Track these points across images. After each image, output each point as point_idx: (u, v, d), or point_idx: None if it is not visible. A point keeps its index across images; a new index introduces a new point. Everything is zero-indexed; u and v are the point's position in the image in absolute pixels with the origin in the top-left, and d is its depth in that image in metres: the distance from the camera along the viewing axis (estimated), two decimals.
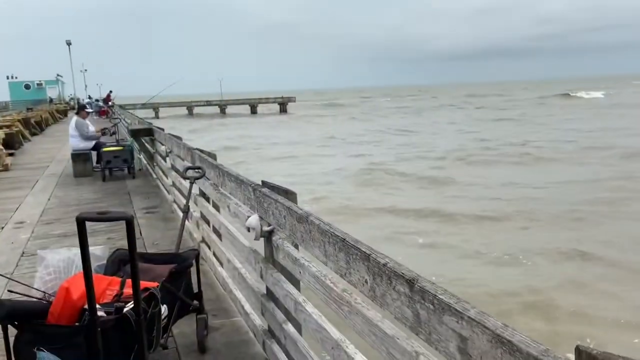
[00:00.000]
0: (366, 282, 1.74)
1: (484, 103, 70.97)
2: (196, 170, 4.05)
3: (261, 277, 3.01)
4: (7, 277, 2.54)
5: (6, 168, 11.45)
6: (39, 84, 50.16)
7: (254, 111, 63.29)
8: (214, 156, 4.61)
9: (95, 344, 1.94)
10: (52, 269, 2.65)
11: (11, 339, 2.30)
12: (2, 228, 6.36)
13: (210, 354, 3.12)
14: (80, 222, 1.49)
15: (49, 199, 8.01)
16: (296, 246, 2.58)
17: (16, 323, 2.32)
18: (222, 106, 63.44)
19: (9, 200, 8.09)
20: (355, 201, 14.12)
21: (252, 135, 34.53)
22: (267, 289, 2.97)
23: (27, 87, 48.44)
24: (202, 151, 4.81)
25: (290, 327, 2.65)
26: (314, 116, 53.90)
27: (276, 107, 65.14)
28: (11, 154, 13.27)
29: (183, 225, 3.62)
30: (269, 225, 2.81)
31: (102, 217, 1.54)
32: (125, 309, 2.36)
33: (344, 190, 15.79)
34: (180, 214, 5.99)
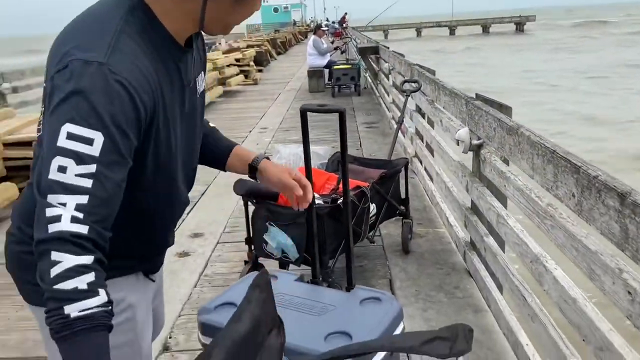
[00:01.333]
0: (573, 195, 1.65)
1: None
2: (413, 83, 4.12)
3: (467, 190, 3.03)
4: None
5: (255, 82, 13.16)
6: (285, 8, 55.11)
7: (485, 31, 59.27)
8: (432, 72, 4.60)
9: (312, 225, 2.26)
10: (284, 161, 3.10)
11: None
12: (250, 132, 7.47)
13: (413, 256, 3.32)
14: (303, 113, 1.71)
15: (287, 110, 9.04)
16: (504, 160, 2.51)
17: (254, 201, 2.81)
18: (452, 27, 60.77)
19: (257, 109, 9.37)
20: None
21: (485, 63, 28.16)
22: (472, 202, 2.98)
23: (275, 10, 53.78)
24: (421, 66, 4.83)
25: (491, 240, 2.66)
26: (562, 38, 46.36)
27: (511, 27, 59.79)
28: (260, 70, 15.11)
29: (396, 135, 3.78)
30: (479, 138, 2.77)
31: (320, 109, 1.75)
32: (339, 201, 2.66)
33: None
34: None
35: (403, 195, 3.37)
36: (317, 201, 2.62)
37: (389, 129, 7.24)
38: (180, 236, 3.85)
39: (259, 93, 11.60)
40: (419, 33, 59.93)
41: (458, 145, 2.99)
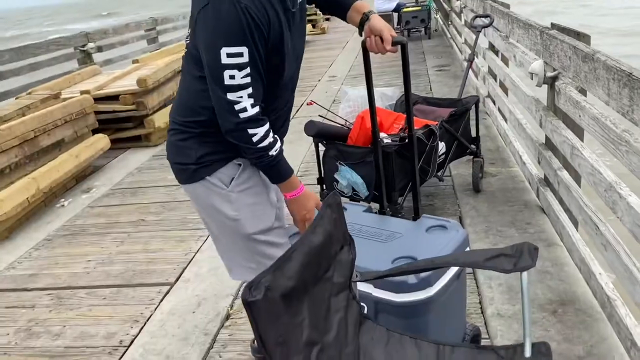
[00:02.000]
0: None
1: None
2: (484, 18, 3.97)
3: (540, 125, 2.96)
4: (319, 105, 3.14)
5: (323, 31, 13.06)
6: None
7: None
8: (507, 5, 4.40)
9: (378, 163, 2.33)
10: (352, 102, 3.16)
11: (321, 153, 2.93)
12: (319, 80, 7.52)
13: (484, 194, 3.32)
14: (364, 48, 1.75)
15: (355, 57, 8.96)
16: (580, 91, 2.43)
17: (324, 142, 2.91)
18: None
19: (325, 58, 9.37)
20: None
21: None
22: (546, 137, 2.92)
23: None
24: (495, 1, 4.62)
25: (565, 174, 2.61)
26: None
27: None
28: (327, 19, 14.92)
29: (467, 73, 3.71)
30: (553, 70, 2.68)
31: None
32: (407, 140, 2.70)
33: None
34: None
35: (474, 134, 3.34)
36: (385, 140, 2.68)
37: (460, 71, 7.02)
38: None
39: (327, 42, 11.53)
40: None
41: (532, 79, 2.91)
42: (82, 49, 7.15)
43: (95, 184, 4.34)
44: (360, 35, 1.66)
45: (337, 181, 2.83)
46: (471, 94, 5.42)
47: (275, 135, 1.45)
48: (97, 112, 4.78)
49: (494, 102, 4.68)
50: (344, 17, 1.68)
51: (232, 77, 1.31)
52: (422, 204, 3.25)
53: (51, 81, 5.50)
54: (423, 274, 1.56)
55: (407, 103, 2.02)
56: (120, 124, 5.16)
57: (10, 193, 3.40)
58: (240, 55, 1.30)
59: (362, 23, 1.61)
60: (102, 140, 4.63)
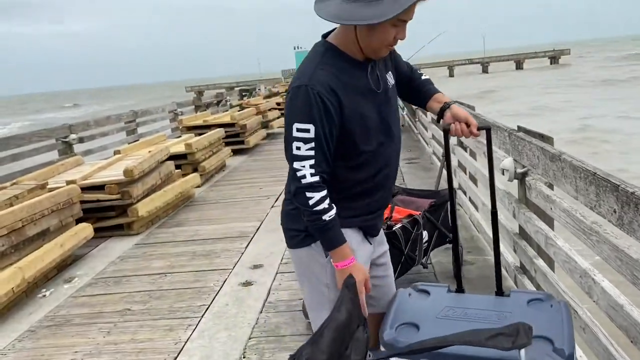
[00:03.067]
0: (614, 211, 1.85)
1: None
2: None
3: (514, 216, 3.21)
4: None
5: None
6: None
7: (519, 67, 59.25)
8: (472, 107, 4.85)
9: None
10: None
11: None
12: None
13: (464, 281, 3.48)
14: (446, 132, 1.85)
15: None
16: (549, 185, 2.71)
17: None
18: (484, 64, 61.04)
19: None
20: None
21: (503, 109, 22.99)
22: (520, 227, 3.16)
23: None
24: (461, 103, 5.09)
25: (540, 262, 2.83)
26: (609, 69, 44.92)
27: (546, 62, 59.55)
28: None
29: (442, 168, 4.01)
30: (523, 167, 2.98)
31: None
32: (394, 228, 2.90)
33: None
34: (438, 163, 6.43)
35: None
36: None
37: (429, 163, 7.46)
38: (241, 267, 4.14)
39: None
40: (451, 71, 60.40)
41: (503, 174, 3.20)
42: (64, 140, 7.30)
43: (77, 273, 4.31)
44: (438, 122, 1.91)
45: None
46: (444, 184, 5.76)
47: (332, 204, 1.61)
48: (81, 202, 4.85)
49: (464, 193, 4.99)
50: (423, 106, 1.94)
51: (298, 148, 1.57)
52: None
53: (35, 171, 5.57)
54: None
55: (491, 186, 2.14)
56: (102, 212, 5.22)
57: None
58: (307, 131, 1.55)
59: (442, 110, 1.85)
60: (86, 229, 4.67)
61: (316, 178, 1.58)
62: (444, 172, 5.50)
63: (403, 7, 1.46)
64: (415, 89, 1.93)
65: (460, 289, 2.12)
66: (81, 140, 7.64)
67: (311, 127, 1.54)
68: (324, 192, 1.60)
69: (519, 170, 3.01)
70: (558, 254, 2.48)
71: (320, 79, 1.56)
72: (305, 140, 1.55)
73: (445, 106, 1.84)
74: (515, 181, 3.12)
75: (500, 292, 2.02)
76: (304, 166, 1.56)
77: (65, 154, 7.32)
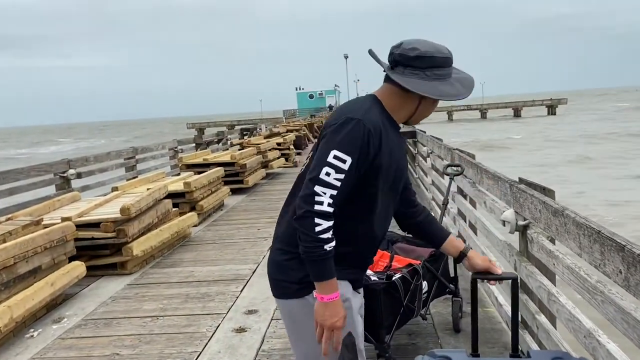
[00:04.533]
0: (620, 272, 1.80)
1: None
2: (455, 167, 4.36)
3: (515, 269, 3.15)
4: None
5: (295, 164, 13.71)
6: (320, 94, 57.46)
7: (517, 114, 60.07)
8: (472, 156, 4.86)
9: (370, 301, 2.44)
10: None
11: None
12: None
13: (464, 334, 3.40)
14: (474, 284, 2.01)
15: None
16: (551, 240, 2.67)
17: None
18: (483, 110, 61.91)
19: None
20: None
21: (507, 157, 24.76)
22: (521, 280, 3.10)
23: (311, 96, 56.03)
24: (461, 151, 5.10)
25: (542, 318, 2.75)
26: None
27: (543, 110, 60.44)
28: (298, 153, 15.73)
29: (442, 216, 3.97)
30: (524, 219, 2.95)
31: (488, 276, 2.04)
32: (393, 278, 2.84)
33: None
34: (438, 210, 6.40)
35: (452, 274, 3.50)
36: (372, 278, 2.80)
37: (429, 208, 7.42)
38: (236, 312, 4.04)
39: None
40: (450, 116, 61.20)
41: (504, 225, 3.17)
42: (62, 175, 7.28)
43: (66, 314, 4.20)
44: (459, 262, 2.09)
45: None
46: None
47: (333, 236, 1.61)
48: (75, 239, 4.77)
49: (464, 241, 4.93)
50: (437, 247, 2.07)
51: (327, 174, 1.60)
52: (403, 343, 3.31)
53: (31, 207, 5.52)
54: None
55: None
56: (96, 250, 5.14)
57: None
58: (344, 162, 1.60)
59: (461, 253, 2.05)
60: (78, 268, 4.58)
61: (331, 209, 1.60)
62: (444, 220, 5.46)
63: (470, 92, 1.73)
64: (421, 223, 2.08)
65: (476, 353, 2.09)
66: (79, 175, 7.62)
67: (349, 159, 1.60)
68: (331, 224, 1.61)
69: (520, 223, 2.97)
70: (561, 311, 2.42)
71: (373, 118, 1.68)
72: (338, 170, 1.60)
73: (462, 255, 2.05)
74: (517, 233, 3.08)
75: (515, 353, 2.00)
76: (325, 193, 1.59)
77: (63, 188, 7.29)
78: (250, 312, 4.03)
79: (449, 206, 5.70)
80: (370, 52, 1.75)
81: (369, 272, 2.82)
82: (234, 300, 4.31)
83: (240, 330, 3.70)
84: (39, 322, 4.03)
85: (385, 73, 1.78)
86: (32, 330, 3.87)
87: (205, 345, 3.46)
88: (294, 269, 1.70)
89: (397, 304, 2.88)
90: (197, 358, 3.30)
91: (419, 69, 1.68)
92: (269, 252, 1.87)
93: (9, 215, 4.93)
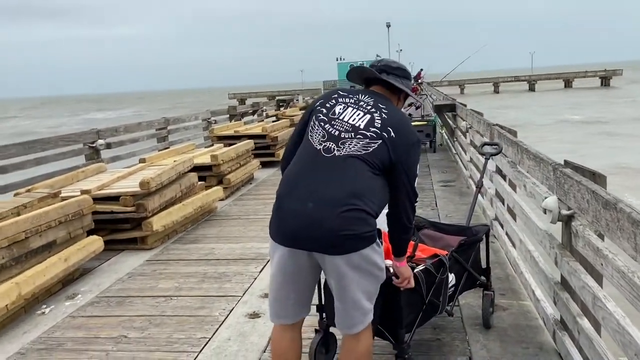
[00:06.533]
0: None
1: None
2: (493, 146, 3.97)
3: (555, 263, 2.79)
4: None
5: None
6: (361, 64, 56.33)
7: (568, 85, 57.36)
8: (514, 133, 4.43)
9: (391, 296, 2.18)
10: None
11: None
12: None
13: (495, 331, 3.08)
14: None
15: None
16: (599, 235, 2.30)
17: None
18: (532, 82, 59.31)
19: None
20: None
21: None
22: (562, 277, 2.74)
23: (352, 67, 54.98)
24: (502, 127, 4.67)
25: (585, 322, 2.40)
26: None
27: (596, 82, 57.44)
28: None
29: (475, 200, 3.61)
30: (569, 209, 2.57)
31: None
32: (415, 270, 2.53)
33: None
34: (475, 189, 5.99)
35: (484, 265, 3.17)
36: (391, 269, 2.50)
37: (466, 187, 7.01)
38: (251, 295, 3.84)
39: None
40: (496, 88, 58.96)
41: (545, 213, 2.79)
42: (92, 145, 7.23)
43: (81, 290, 4.11)
44: None
45: None
46: (479, 214, 5.33)
47: None
48: (94, 212, 4.67)
49: (502, 226, 4.56)
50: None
51: (415, 178, 2.22)
52: (427, 338, 3.02)
53: (53, 178, 5.45)
54: None
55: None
56: (116, 224, 5.04)
57: None
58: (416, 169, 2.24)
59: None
60: (95, 243, 4.47)
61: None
62: (480, 201, 5.06)
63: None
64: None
65: None
66: (109, 146, 7.56)
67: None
68: None
69: (564, 212, 2.60)
70: (608, 320, 2.06)
71: None
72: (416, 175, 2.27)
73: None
74: (559, 223, 2.71)
75: None
76: (416, 200, 2.27)
77: (92, 159, 7.25)
78: (266, 295, 3.81)
79: (486, 186, 5.31)
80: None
81: (387, 262, 2.52)
82: (251, 281, 4.11)
83: (254, 315, 3.49)
84: (53, 298, 3.95)
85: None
86: (44, 306, 3.79)
87: (215, 331, 3.28)
88: (368, 220, 2.04)
89: (418, 299, 2.58)
90: (205, 345, 3.12)
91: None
92: (325, 214, 2.00)
93: (29, 187, 4.86)
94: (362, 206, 2.01)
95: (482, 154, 4.07)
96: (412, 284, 2.38)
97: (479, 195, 5.50)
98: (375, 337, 2.49)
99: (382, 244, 2.18)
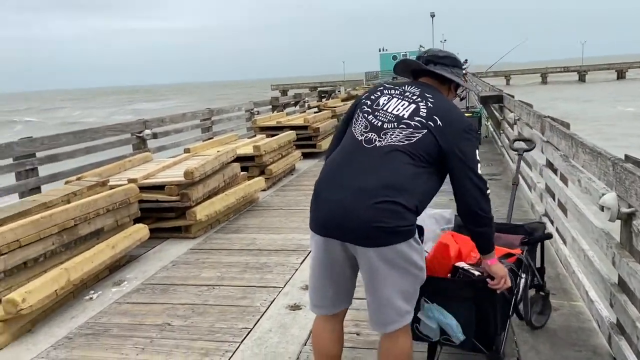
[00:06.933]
0: None
1: None
2: (526, 142, 3.78)
3: (613, 264, 2.64)
4: None
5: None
6: (404, 55, 55.39)
7: (621, 76, 54.84)
8: (567, 125, 4.23)
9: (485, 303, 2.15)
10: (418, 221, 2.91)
11: None
12: None
13: (545, 332, 2.96)
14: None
15: None
16: None
17: None
18: (582, 72, 56.96)
19: None
20: None
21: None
22: (620, 278, 2.59)
23: (394, 58, 53.88)
24: (553, 119, 4.47)
25: None
26: None
27: None
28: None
29: (513, 197, 3.47)
30: (629, 206, 2.42)
31: None
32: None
33: None
34: (524, 184, 5.78)
35: (538, 264, 3.03)
36: (475, 272, 2.35)
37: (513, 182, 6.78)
38: (292, 287, 3.83)
39: None
40: (544, 79, 57.00)
41: (602, 211, 2.64)
42: (139, 135, 7.39)
43: (127, 276, 4.20)
44: None
45: (419, 321, 2.38)
46: (527, 210, 5.15)
47: None
48: (140, 201, 4.76)
49: (552, 222, 4.37)
50: None
51: (477, 164, 2.10)
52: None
53: (101, 167, 5.60)
54: None
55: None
56: (162, 213, 5.13)
57: (39, 285, 3.29)
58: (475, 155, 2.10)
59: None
60: (141, 231, 4.57)
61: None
62: (529, 196, 4.87)
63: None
64: None
65: None
66: (155, 136, 7.72)
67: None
68: None
69: (624, 210, 2.44)
70: None
71: None
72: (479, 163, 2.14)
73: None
74: (618, 222, 2.55)
75: None
76: (488, 187, 2.15)
77: (139, 148, 7.42)
78: (307, 287, 3.78)
79: (535, 180, 5.12)
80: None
81: (464, 265, 2.39)
82: (292, 273, 4.10)
83: (295, 307, 3.48)
84: (100, 284, 4.05)
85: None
86: (92, 292, 3.90)
87: (256, 322, 3.29)
88: (407, 215, 1.94)
89: (507, 303, 2.47)
90: (246, 335, 3.13)
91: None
92: (361, 204, 1.94)
93: (79, 175, 5.00)
94: (398, 199, 1.93)
95: (515, 150, 3.91)
96: (509, 283, 2.19)
97: (527, 188, 5.32)
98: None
99: (422, 241, 2.06)
